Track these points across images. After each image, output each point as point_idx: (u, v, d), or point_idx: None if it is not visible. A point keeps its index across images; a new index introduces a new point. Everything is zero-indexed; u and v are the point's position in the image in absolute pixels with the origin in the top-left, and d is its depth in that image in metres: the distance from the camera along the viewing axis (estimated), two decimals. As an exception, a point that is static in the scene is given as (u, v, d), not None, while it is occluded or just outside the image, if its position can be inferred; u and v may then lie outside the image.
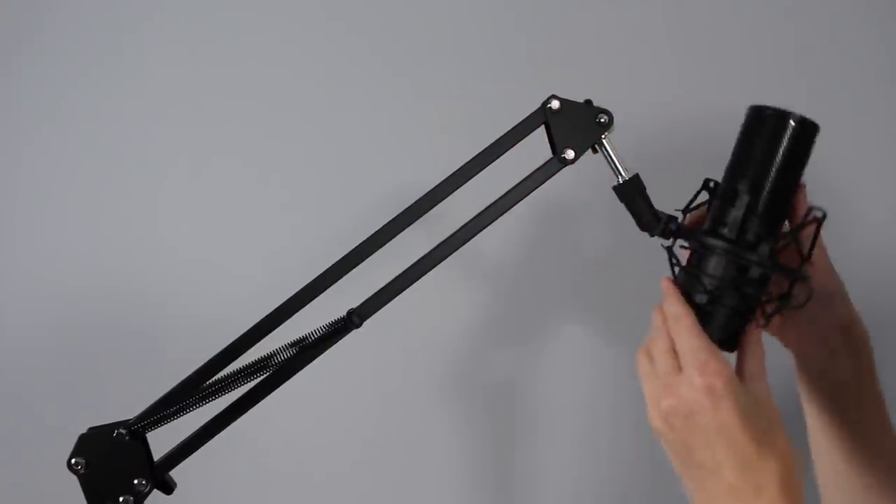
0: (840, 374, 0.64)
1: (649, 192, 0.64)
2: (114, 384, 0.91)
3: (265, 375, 0.64)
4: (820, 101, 0.99)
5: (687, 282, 0.60)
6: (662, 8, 0.96)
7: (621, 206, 0.65)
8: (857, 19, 0.98)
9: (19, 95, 0.90)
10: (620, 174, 0.63)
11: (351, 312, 0.63)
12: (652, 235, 0.64)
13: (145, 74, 0.92)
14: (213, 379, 0.64)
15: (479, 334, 0.98)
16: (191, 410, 0.64)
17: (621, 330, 0.98)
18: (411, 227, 0.63)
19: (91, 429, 0.63)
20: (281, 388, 0.64)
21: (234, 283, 0.93)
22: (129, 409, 0.64)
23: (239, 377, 0.64)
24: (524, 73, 0.95)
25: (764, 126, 0.58)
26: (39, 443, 0.84)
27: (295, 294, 0.63)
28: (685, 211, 0.63)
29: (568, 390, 1.00)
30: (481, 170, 0.64)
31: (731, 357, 0.59)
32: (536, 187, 0.63)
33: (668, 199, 0.65)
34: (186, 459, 0.64)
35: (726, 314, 0.58)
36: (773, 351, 0.61)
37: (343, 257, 0.64)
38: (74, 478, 0.63)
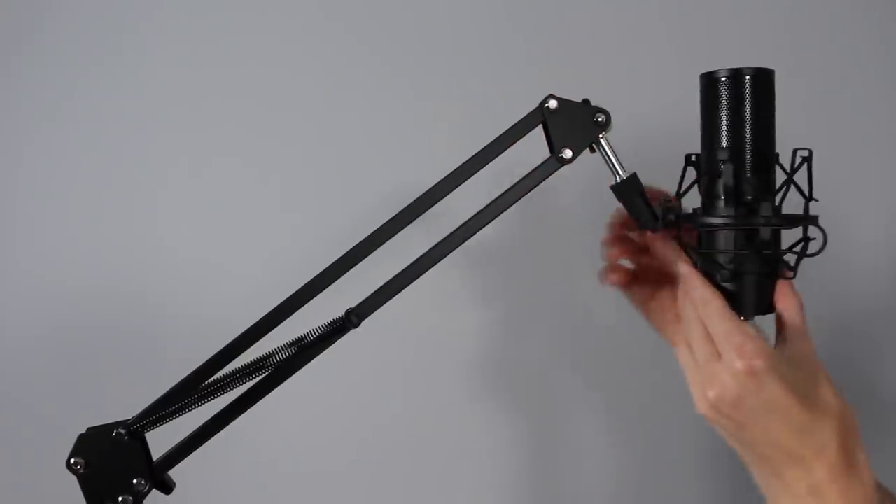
0: None
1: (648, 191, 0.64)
2: (114, 384, 0.91)
3: (264, 375, 0.64)
4: (820, 101, 0.99)
5: (704, 264, 0.60)
6: (660, 7, 0.96)
7: (618, 205, 0.65)
8: (857, 19, 0.98)
9: (19, 95, 0.90)
10: (618, 173, 0.63)
11: (349, 312, 0.63)
12: (654, 232, 0.64)
13: (145, 74, 0.92)
14: (212, 379, 0.64)
15: (478, 333, 0.98)
16: (190, 410, 0.64)
17: (621, 330, 0.98)
18: (410, 226, 0.63)
19: (90, 429, 0.63)
20: (279, 387, 0.64)
21: (234, 283, 0.94)
22: (129, 409, 0.64)
23: (238, 377, 0.63)
24: (522, 72, 0.95)
25: (722, 90, 0.58)
26: (39, 443, 0.84)
27: (293, 294, 0.63)
28: (679, 196, 0.62)
29: (568, 390, 1.00)
30: (479, 169, 0.63)
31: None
32: (534, 186, 0.63)
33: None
34: (185, 459, 0.64)
35: (753, 281, 0.58)
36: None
37: (341, 257, 0.64)
38: (74, 478, 0.63)
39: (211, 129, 0.93)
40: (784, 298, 0.59)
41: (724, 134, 0.58)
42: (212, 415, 0.64)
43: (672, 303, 0.67)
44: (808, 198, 0.60)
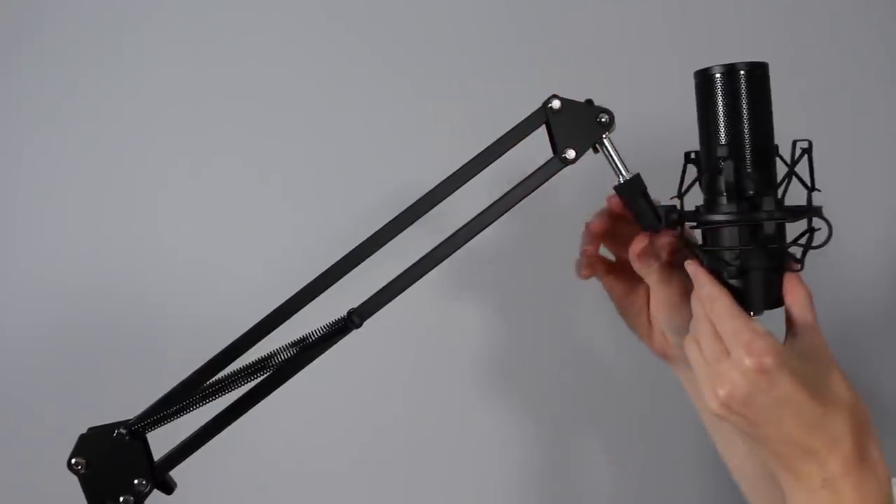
0: None
1: (651, 191, 0.64)
2: (114, 384, 0.91)
3: (265, 375, 0.63)
4: (820, 101, 0.99)
5: (710, 262, 0.60)
6: (663, 7, 0.96)
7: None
8: (857, 19, 0.99)
9: (19, 95, 0.90)
10: (622, 174, 0.63)
11: (351, 312, 0.63)
12: (657, 233, 0.63)
13: (145, 74, 0.92)
14: (214, 379, 0.64)
15: (480, 334, 0.98)
16: (191, 410, 0.64)
17: (623, 329, 0.98)
18: (412, 226, 0.63)
19: (91, 429, 0.63)
20: (281, 388, 0.64)
21: (235, 283, 0.93)
22: (130, 409, 0.64)
23: (239, 377, 0.63)
24: (525, 72, 0.95)
25: (717, 86, 0.58)
26: (39, 443, 0.84)
27: (295, 294, 0.63)
28: (681, 195, 0.62)
29: (568, 390, 1.00)
30: (482, 169, 0.63)
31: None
32: (537, 187, 0.63)
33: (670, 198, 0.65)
34: (186, 459, 0.64)
35: (760, 277, 0.58)
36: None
37: (343, 257, 0.63)
38: (74, 478, 0.63)
39: (211, 129, 0.93)
40: (792, 291, 0.58)
41: (723, 130, 0.58)
42: (213, 415, 0.64)
43: (645, 303, 0.68)
44: (811, 188, 0.59)
